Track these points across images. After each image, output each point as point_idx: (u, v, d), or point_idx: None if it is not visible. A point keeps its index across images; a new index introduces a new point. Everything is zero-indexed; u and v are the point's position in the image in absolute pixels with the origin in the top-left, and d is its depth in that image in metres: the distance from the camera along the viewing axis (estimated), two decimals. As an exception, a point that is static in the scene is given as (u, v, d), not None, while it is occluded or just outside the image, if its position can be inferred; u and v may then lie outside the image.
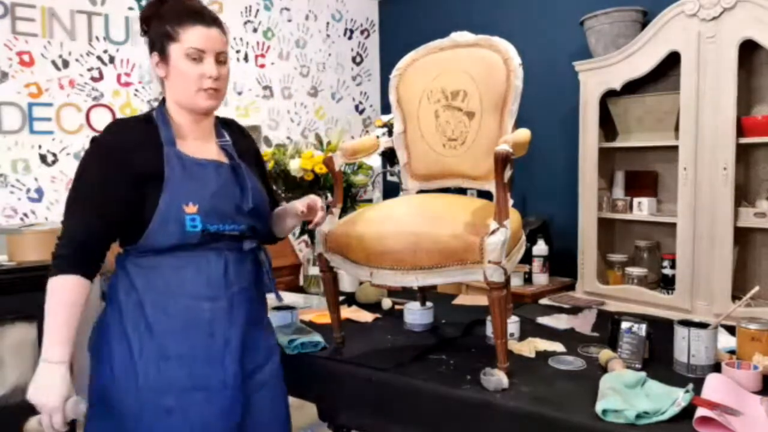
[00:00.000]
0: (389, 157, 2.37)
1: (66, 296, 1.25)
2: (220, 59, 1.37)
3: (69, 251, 1.29)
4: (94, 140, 1.34)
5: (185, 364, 1.31)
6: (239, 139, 1.53)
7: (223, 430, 1.33)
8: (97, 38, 3.22)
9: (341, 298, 2.23)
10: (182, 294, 1.33)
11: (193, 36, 1.33)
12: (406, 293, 2.24)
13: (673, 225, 2.64)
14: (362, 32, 4.38)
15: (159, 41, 1.35)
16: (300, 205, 1.51)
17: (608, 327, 1.70)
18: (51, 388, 1.22)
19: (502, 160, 1.47)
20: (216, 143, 1.46)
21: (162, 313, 1.31)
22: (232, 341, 1.36)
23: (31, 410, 1.27)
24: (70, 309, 1.25)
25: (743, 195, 2.60)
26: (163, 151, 1.33)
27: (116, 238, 1.37)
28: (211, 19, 1.36)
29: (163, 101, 1.42)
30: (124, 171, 1.29)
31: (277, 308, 1.91)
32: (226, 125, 1.54)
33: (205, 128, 1.44)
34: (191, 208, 1.31)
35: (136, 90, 3.36)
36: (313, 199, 1.53)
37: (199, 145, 1.41)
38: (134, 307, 1.32)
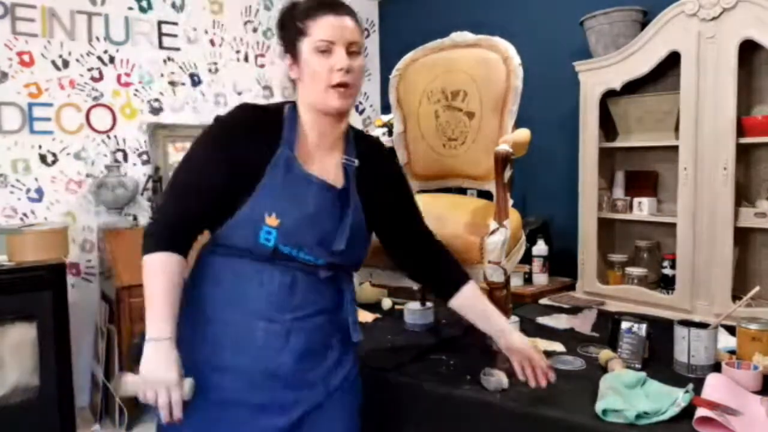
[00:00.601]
0: (389, 157, 2.37)
1: (161, 273, 1.17)
2: (352, 50, 1.25)
3: (159, 229, 1.21)
4: (216, 118, 1.27)
5: (228, 378, 1.23)
6: (373, 160, 1.38)
7: None
8: (97, 38, 3.22)
9: (341, 298, 2.22)
10: (239, 305, 1.24)
11: (322, 27, 1.22)
12: (406, 293, 2.24)
13: (673, 225, 2.64)
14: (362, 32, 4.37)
15: (290, 41, 1.27)
16: (516, 352, 1.36)
17: (608, 327, 1.70)
18: (167, 363, 1.13)
19: (502, 160, 1.47)
20: (339, 159, 1.32)
21: (217, 319, 1.24)
22: (279, 369, 1.24)
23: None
24: (166, 285, 1.17)
25: (743, 195, 2.59)
26: (276, 150, 1.24)
27: (210, 222, 1.27)
28: (342, 8, 1.26)
29: (295, 103, 1.33)
30: (229, 155, 1.21)
31: None
32: (363, 141, 1.40)
33: (331, 138, 1.31)
34: (272, 221, 1.20)
35: (136, 90, 3.36)
36: (534, 357, 1.36)
37: (318, 155, 1.29)
38: (197, 303, 1.26)
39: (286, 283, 1.25)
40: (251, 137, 1.23)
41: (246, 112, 1.28)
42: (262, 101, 3.81)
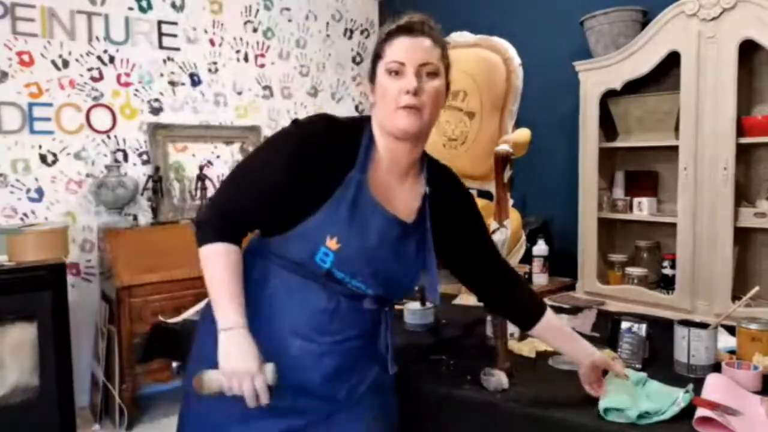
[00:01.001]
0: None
1: (224, 262, 1.16)
2: (427, 71, 1.20)
3: (212, 218, 1.19)
4: (295, 122, 1.23)
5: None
6: (445, 189, 1.35)
7: None
8: (97, 38, 3.22)
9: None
10: (277, 318, 1.22)
11: (395, 49, 1.20)
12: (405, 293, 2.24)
13: (673, 225, 2.64)
14: (362, 32, 4.38)
15: (372, 65, 1.25)
16: (601, 365, 1.36)
17: (608, 327, 1.70)
18: (244, 352, 1.11)
19: (502, 160, 1.47)
20: (415, 190, 1.29)
21: (252, 324, 1.17)
22: (305, 385, 1.23)
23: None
24: (231, 274, 1.15)
25: (743, 195, 2.59)
26: (350, 172, 1.20)
27: (262, 224, 1.25)
28: (420, 30, 1.22)
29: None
30: (301, 165, 1.18)
31: None
32: (435, 169, 1.35)
33: (404, 165, 1.26)
34: (332, 243, 1.17)
35: (136, 90, 3.36)
36: (618, 369, 1.37)
37: (388, 180, 1.26)
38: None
39: (330, 308, 1.22)
40: (327, 152, 1.20)
41: (327, 123, 1.24)
42: (261, 101, 3.82)
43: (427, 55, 1.20)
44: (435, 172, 1.34)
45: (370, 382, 1.31)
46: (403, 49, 1.20)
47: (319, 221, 1.18)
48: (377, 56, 1.24)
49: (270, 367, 1.14)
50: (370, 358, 1.32)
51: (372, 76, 1.25)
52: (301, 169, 1.18)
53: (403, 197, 1.28)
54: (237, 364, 1.11)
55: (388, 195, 1.25)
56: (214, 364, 1.15)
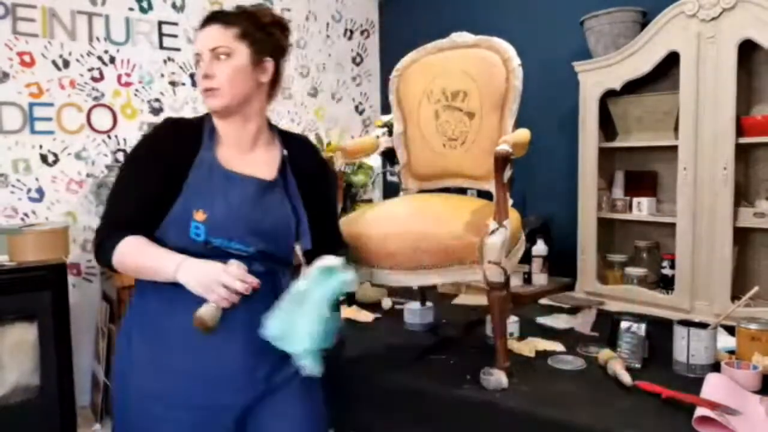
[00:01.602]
0: (389, 157, 2.37)
1: (132, 244, 1.26)
2: (220, 53, 1.32)
3: (106, 233, 1.30)
4: (144, 136, 1.37)
5: (179, 379, 1.28)
6: (301, 159, 1.46)
7: None
8: (97, 38, 3.22)
9: (341, 297, 2.23)
10: (183, 303, 1.24)
11: (196, 41, 1.36)
12: (406, 293, 2.24)
13: (673, 225, 2.64)
14: (362, 33, 4.38)
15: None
16: None
17: (608, 327, 1.70)
18: (201, 265, 1.21)
19: (501, 160, 1.47)
20: (266, 154, 1.41)
21: (163, 324, 1.30)
22: (226, 368, 1.30)
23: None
24: (144, 245, 1.26)
25: (743, 195, 2.60)
26: (198, 154, 1.33)
27: (146, 223, 1.31)
28: (212, 20, 1.35)
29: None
30: (158, 163, 1.31)
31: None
32: (294, 141, 1.49)
33: (245, 136, 1.39)
34: (199, 215, 1.28)
35: (137, 90, 3.36)
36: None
37: (238, 155, 1.38)
38: (143, 311, 1.34)
39: None
40: (175, 143, 1.33)
41: (167, 123, 1.38)
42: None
43: (215, 40, 1.32)
44: (291, 140, 1.48)
45: (291, 370, 1.35)
46: (198, 41, 1.35)
47: (184, 200, 1.29)
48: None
49: (233, 261, 1.22)
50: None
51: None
52: (160, 165, 1.31)
53: (259, 161, 1.39)
54: (205, 277, 1.20)
55: (241, 163, 1.36)
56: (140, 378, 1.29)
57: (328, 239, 1.47)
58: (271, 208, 1.35)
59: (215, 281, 1.19)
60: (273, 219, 1.35)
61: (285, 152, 1.42)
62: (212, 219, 1.27)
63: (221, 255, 1.27)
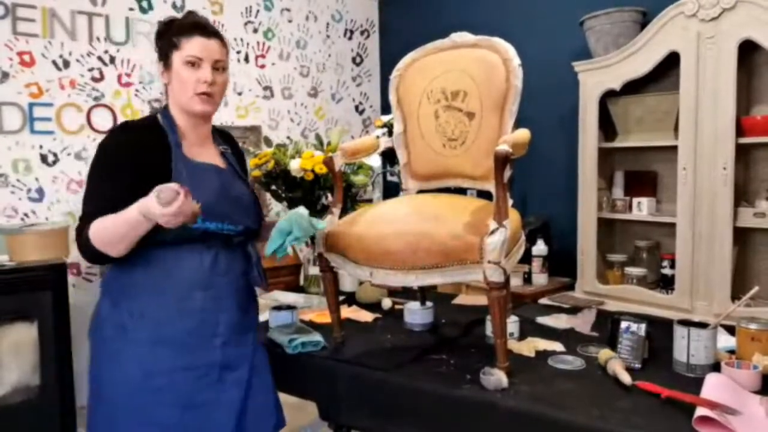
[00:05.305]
0: (389, 157, 2.37)
1: (100, 221, 1.34)
2: (217, 67, 1.49)
3: (80, 227, 1.38)
4: (101, 146, 1.43)
5: (176, 347, 1.42)
6: (233, 148, 1.69)
7: (212, 403, 1.44)
8: (97, 39, 3.22)
9: (341, 297, 2.23)
10: (178, 283, 1.44)
11: (192, 45, 1.46)
12: (406, 293, 2.24)
13: (673, 225, 2.64)
14: (362, 33, 4.38)
15: (165, 51, 1.50)
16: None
17: (608, 327, 1.70)
18: (150, 197, 1.26)
19: (501, 160, 1.47)
20: (214, 148, 1.60)
21: (157, 302, 1.43)
22: (220, 326, 1.49)
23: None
24: (109, 216, 1.32)
25: (743, 195, 2.60)
26: (171, 153, 1.45)
27: None
28: (211, 32, 1.50)
29: (166, 107, 1.54)
30: (131, 172, 1.38)
31: (278, 308, 1.91)
32: (222, 134, 1.69)
33: (203, 133, 1.57)
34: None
35: (137, 90, 3.36)
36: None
37: (197, 149, 1.53)
38: (131, 297, 1.44)
39: (212, 256, 1.48)
40: (144, 150, 1.42)
41: (129, 131, 1.49)
42: (262, 102, 3.82)
43: (220, 54, 1.51)
44: (223, 136, 1.69)
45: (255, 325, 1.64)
46: (200, 47, 1.47)
47: None
48: (173, 45, 1.47)
49: (158, 188, 1.27)
50: (252, 297, 1.64)
51: (166, 61, 1.49)
52: (132, 172, 1.38)
53: (212, 153, 1.58)
54: (156, 209, 1.24)
55: (204, 155, 1.54)
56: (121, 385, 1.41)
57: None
58: (238, 190, 1.55)
59: (165, 208, 1.25)
60: (246, 199, 1.56)
61: (225, 147, 1.63)
62: (205, 207, 1.36)
63: (217, 237, 1.47)
